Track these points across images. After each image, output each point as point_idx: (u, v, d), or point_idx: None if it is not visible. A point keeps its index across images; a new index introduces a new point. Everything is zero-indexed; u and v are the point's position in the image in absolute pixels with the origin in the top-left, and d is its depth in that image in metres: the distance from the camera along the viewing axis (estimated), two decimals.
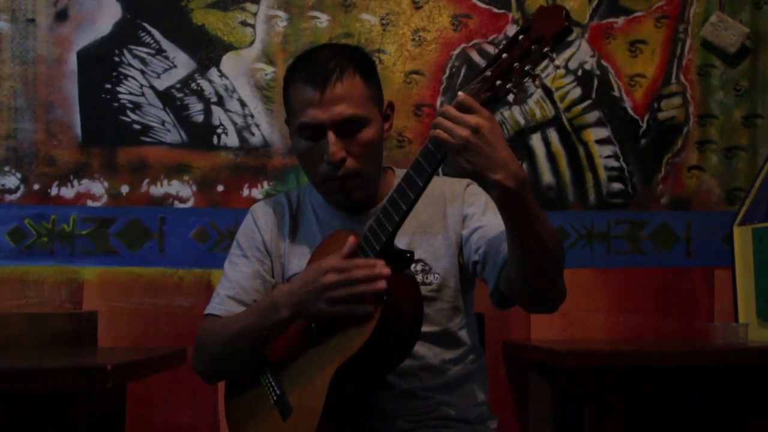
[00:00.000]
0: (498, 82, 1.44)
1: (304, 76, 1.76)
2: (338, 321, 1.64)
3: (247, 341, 1.75)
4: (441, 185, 1.86)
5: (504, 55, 1.44)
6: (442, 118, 1.45)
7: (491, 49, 2.84)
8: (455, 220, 1.84)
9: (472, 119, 1.42)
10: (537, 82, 1.43)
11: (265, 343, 1.76)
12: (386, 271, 1.54)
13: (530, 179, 2.85)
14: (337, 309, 1.59)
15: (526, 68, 1.41)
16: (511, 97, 1.44)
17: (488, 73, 1.45)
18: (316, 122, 1.73)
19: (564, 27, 1.39)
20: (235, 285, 1.88)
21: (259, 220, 1.94)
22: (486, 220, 1.78)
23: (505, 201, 1.47)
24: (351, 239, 1.61)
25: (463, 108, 1.44)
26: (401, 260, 1.62)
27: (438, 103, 2.84)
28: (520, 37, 1.43)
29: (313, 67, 1.76)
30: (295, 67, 1.81)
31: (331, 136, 1.72)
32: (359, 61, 1.79)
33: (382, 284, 1.53)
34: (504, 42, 1.46)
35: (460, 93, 1.46)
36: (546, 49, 1.40)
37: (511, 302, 1.71)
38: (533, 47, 1.41)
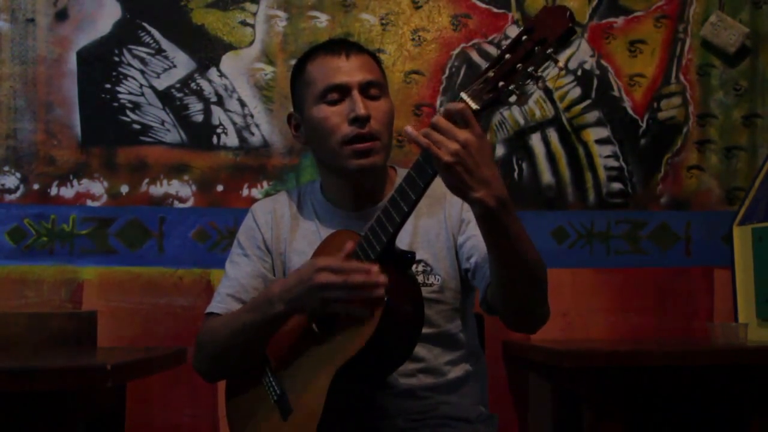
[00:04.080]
0: (500, 83, 1.43)
1: (325, 51, 1.85)
2: (339, 321, 1.64)
3: (245, 337, 1.75)
4: (442, 185, 1.85)
5: (507, 56, 1.43)
6: (432, 130, 1.45)
7: (491, 49, 2.84)
8: (454, 223, 1.84)
9: (461, 134, 1.42)
10: (540, 84, 1.42)
11: (263, 339, 1.76)
12: (383, 279, 1.53)
13: (529, 180, 2.85)
14: (332, 309, 1.59)
15: (528, 69, 1.41)
16: (513, 99, 1.43)
17: (491, 73, 1.45)
18: (343, 82, 1.80)
19: (568, 28, 1.39)
20: (235, 284, 1.88)
21: (259, 219, 1.94)
22: None
23: (484, 219, 1.49)
24: (349, 245, 1.61)
25: (455, 118, 1.44)
26: (402, 261, 1.62)
27: (438, 102, 2.84)
28: (524, 38, 1.42)
29: (332, 43, 1.88)
30: (312, 50, 1.90)
31: (356, 93, 1.79)
32: (372, 53, 1.89)
33: (380, 292, 1.53)
34: (505, 42, 1.46)
35: (462, 94, 1.45)
36: (549, 51, 1.39)
37: None
38: (536, 48, 1.40)
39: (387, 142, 1.83)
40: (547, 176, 2.87)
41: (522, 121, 2.86)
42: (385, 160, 1.84)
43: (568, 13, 1.40)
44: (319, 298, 1.58)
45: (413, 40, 2.86)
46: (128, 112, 2.77)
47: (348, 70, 1.80)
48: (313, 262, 1.62)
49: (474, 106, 1.45)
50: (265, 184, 2.79)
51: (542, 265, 1.61)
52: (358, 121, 1.77)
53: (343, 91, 1.80)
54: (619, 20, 2.92)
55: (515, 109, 2.85)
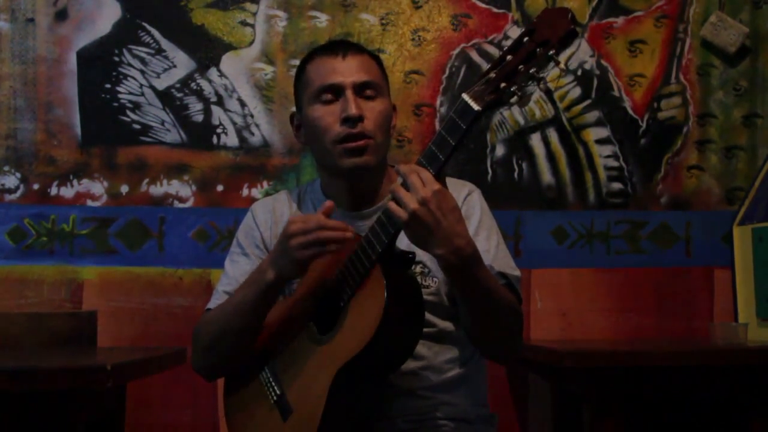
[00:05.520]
0: (502, 84, 1.44)
1: (323, 51, 1.87)
2: (340, 321, 1.65)
3: (241, 316, 1.75)
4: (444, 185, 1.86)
5: (509, 57, 1.44)
6: (399, 186, 1.53)
7: (491, 49, 2.83)
8: None
9: (421, 192, 1.49)
10: (541, 85, 1.43)
11: (258, 315, 1.76)
12: (348, 229, 1.62)
13: (529, 180, 2.85)
14: (303, 253, 1.62)
15: (530, 71, 1.41)
16: (515, 99, 1.44)
17: (492, 74, 1.45)
18: (337, 82, 1.80)
19: (569, 30, 1.39)
20: (233, 282, 1.88)
21: (259, 218, 1.95)
22: None
23: (447, 272, 1.60)
24: (328, 202, 1.65)
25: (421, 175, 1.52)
26: (403, 261, 1.63)
27: (437, 102, 2.84)
28: (525, 39, 1.43)
29: (332, 44, 1.90)
30: (313, 51, 1.91)
31: (349, 93, 1.79)
32: (372, 53, 1.90)
33: (349, 233, 1.61)
34: (505, 42, 1.47)
35: (464, 95, 1.46)
36: (551, 53, 1.40)
37: None
38: (538, 50, 1.41)
39: (381, 141, 1.83)
40: (547, 176, 2.87)
41: (522, 121, 2.86)
42: (380, 160, 1.84)
43: (569, 15, 1.40)
44: (292, 246, 1.62)
45: (413, 40, 2.86)
46: (128, 112, 2.77)
47: (343, 70, 1.81)
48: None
49: (476, 107, 1.46)
50: (265, 184, 2.79)
51: (512, 311, 1.70)
52: (349, 120, 1.78)
53: (336, 91, 1.81)
54: (619, 20, 2.91)
55: (515, 109, 2.85)
